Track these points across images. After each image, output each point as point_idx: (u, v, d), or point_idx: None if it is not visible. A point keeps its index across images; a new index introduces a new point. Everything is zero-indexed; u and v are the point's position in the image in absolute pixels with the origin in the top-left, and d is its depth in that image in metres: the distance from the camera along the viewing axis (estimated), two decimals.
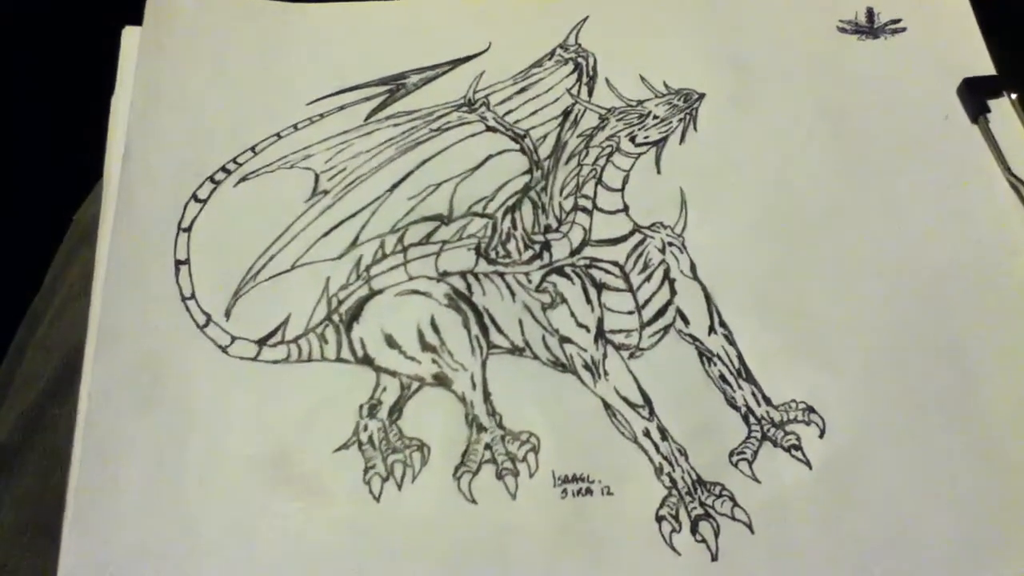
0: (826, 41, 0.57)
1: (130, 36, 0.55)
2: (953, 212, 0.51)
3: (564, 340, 0.47)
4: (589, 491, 0.44)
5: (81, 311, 0.48)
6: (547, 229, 0.50)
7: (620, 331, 0.48)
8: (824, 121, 0.54)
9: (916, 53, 0.57)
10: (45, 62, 0.64)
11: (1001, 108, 0.54)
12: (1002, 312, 0.48)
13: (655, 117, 0.54)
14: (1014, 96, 0.54)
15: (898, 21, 0.58)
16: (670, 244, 0.50)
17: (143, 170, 0.51)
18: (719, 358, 0.47)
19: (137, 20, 0.56)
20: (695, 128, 0.54)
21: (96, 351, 0.46)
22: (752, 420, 0.46)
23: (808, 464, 0.45)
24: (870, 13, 0.58)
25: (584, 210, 0.51)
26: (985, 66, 0.56)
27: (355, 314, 0.48)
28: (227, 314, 0.48)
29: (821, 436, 0.45)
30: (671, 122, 0.54)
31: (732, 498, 0.44)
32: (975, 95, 0.54)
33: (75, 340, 0.47)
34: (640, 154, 0.53)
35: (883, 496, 0.44)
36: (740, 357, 0.47)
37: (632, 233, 0.50)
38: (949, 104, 0.55)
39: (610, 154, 0.53)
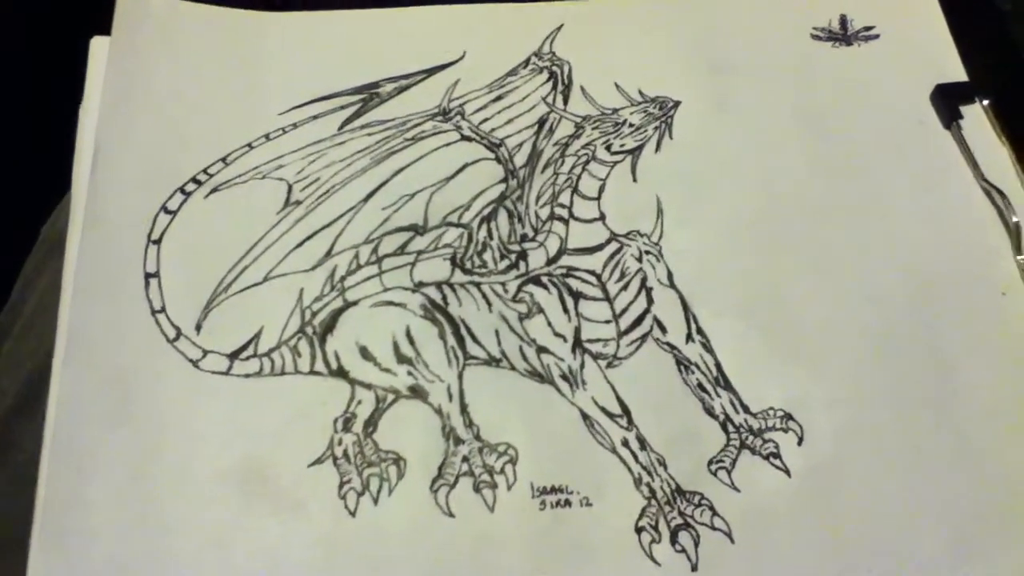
0: (800, 48, 0.58)
1: (99, 46, 0.54)
2: (929, 217, 0.52)
3: (541, 350, 0.47)
4: (568, 502, 0.43)
5: (49, 325, 0.47)
6: (523, 238, 0.50)
7: (597, 340, 0.48)
8: (799, 128, 0.55)
9: (889, 60, 0.57)
10: (10, 72, 0.63)
11: (974, 114, 0.55)
12: (980, 315, 0.49)
13: (630, 125, 0.54)
14: (986, 103, 0.55)
15: (871, 28, 0.59)
16: (647, 252, 0.50)
17: (112, 181, 0.50)
18: (696, 366, 0.47)
19: (106, 30, 0.55)
20: (671, 136, 0.54)
21: (64, 365, 0.45)
22: (730, 428, 0.46)
23: (787, 472, 0.45)
24: (843, 20, 0.59)
25: (560, 219, 0.51)
26: (957, 73, 0.57)
27: (329, 326, 0.47)
28: (198, 328, 0.47)
29: (800, 443, 0.45)
30: (646, 130, 0.54)
31: (711, 507, 0.44)
32: (948, 101, 0.55)
33: (43, 354, 0.46)
34: (616, 162, 0.53)
35: (863, 503, 0.44)
36: (718, 365, 0.47)
37: (609, 242, 0.50)
38: (923, 110, 0.55)
39: (586, 163, 0.52)
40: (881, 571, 0.43)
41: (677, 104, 0.55)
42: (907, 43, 0.58)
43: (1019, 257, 0.50)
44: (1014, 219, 0.51)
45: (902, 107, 0.56)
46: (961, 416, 0.46)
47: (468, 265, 0.49)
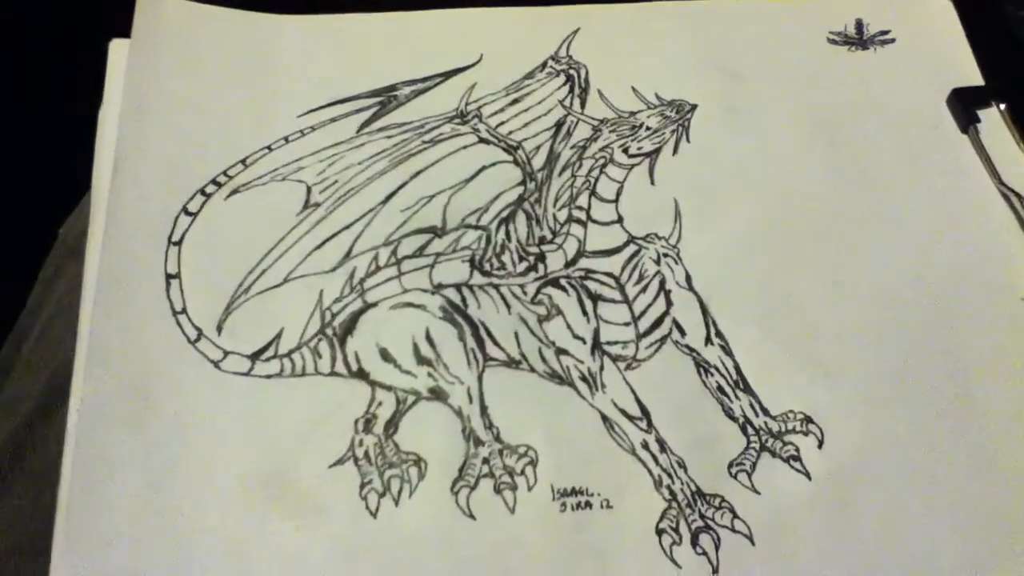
0: (817, 52, 0.58)
1: (118, 49, 0.55)
2: (947, 221, 0.52)
3: (560, 352, 0.47)
4: (588, 504, 0.43)
5: (69, 327, 0.47)
6: (542, 240, 0.50)
7: (617, 343, 0.48)
8: (816, 132, 0.55)
9: (905, 64, 0.58)
10: (28, 75, 0.63)
11: (990, 118, 0.55)
12: (998, 319, 0.49)
13: (647, 128, 0.54)
14: (1003, 106, 0.55)
15: (887, 32, 0.59)
16: (665, 255, 0.50)
17: (133, 183, 0.50)
18: (716, 369, 0.47)
19: (124, 32, 0.55)
20: (688, 139, 0.54)
21: (86, 367, 0.45)
22: (750, 431, 0.45)
23: (807, 475, 0.44)
24: (859, 25, 0.59)
25: (578, 221, 0.51)
26: (973, 76, 0.57)
27: (349, 327, 0.47)
28: (219, 328, 0.47)
29: (820, 446, 0.45)
30: (664, 133, 0.54)
31: (732, 510, 0.44)
32: (964, 105, 0.55)
33: (63, 357, 0.47)
34: (633, 165, 0.53)
35: (883, 506, 0.44)
36: (737, 368, 0.47)
37: (627, 244, 0.50)
38: (939, 114, 0.55)
39: (603, 165, 0.52)
40: (899, 575, 0.42)
41: (694, 107, 0.55)
42: (923, 47, 0.58)
43: None
44: None
45: (919, 111, 0.56)
46: (979, 422, 0.46)
47: (487, 267, 0.49)
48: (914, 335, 0.48)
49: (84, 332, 0.46)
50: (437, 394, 0.46)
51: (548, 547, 0.43)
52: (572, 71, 0.56)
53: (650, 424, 0.45)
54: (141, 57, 0.54)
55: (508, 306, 0.48)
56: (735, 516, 0.43)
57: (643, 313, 0.48)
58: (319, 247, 0.49)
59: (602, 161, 0.53)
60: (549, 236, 0.50)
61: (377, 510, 0.43)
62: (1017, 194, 0.52)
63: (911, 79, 0.57)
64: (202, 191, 0.51)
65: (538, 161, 0.53)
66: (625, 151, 0.53)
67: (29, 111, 0.62)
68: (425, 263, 0.49)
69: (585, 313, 0.48)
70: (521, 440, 0.45)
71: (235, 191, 0.51)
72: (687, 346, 0.48)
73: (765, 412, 0.46)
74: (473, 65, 0.57)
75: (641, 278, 0.49)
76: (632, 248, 0.50)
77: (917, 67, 0.57)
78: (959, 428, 0.46)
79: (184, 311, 0.47)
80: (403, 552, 0.42)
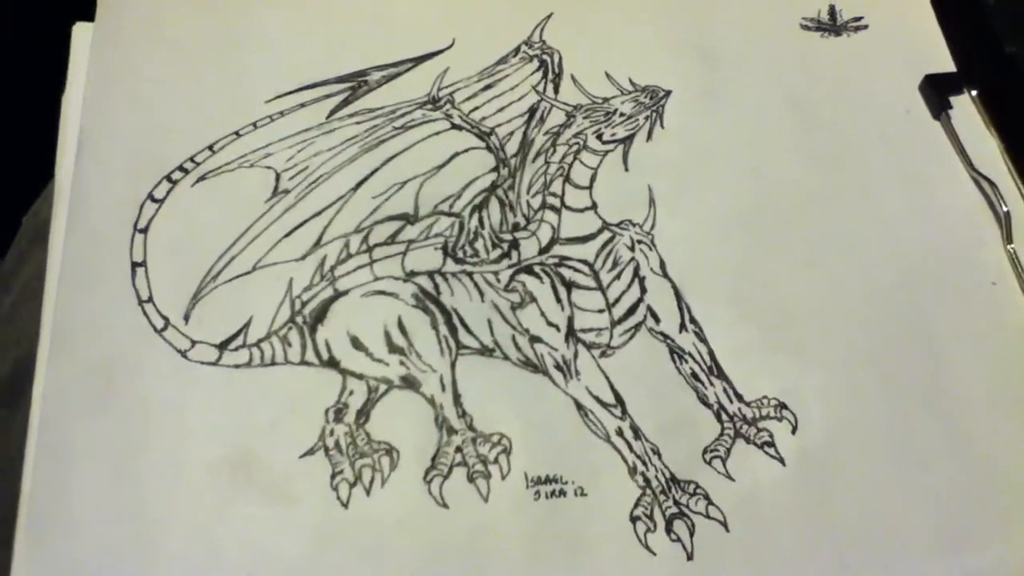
0: (790, 38, 0.58)
1: (81, 32, 0.53)
2: (920, 206, 0.52)
3: (534, 340, 0.47)
4: (562, 492, 0.43)
5: (33, 315, 0.46)
6: (515, 227, 0.50)
7: (591, 330, 0.47)
8: (790, 118, 0.55)
9: (878, 50, 0.58)
10: None
11: (962, 104, 0.55)
12: (971, 304, 0.49)
13: (621, 114, 0.53)
14: (975, 93, 0.55)
15: (860, 19, 0.59)
16: (639, 242, 0.50)
17: (97, 169, 0.49)
18: (690, 355, 0.47)
19: (88, 16, 0.54)
20: (662, 125, 0.54)
21: (49, 356, 0.44)
22: (724, 417, 0.45)
23: (781, 461, 0.44)
24: (832, 10, 0.59)
25: (552, 208, 0.50)
26: (946, 63, 0.57)
27: (320, 316, 0.47)
28: (186, 317, 0.46)
29: (794, 432, 0.45)
30: (638, 119, 0.53)
31: (706, 496, 0.43)
32: (937, 92, 0.55)
33: (27, 344, 0.46)
34: (607, 152, 0.52)
35: (858, 490, 0.44)
36: (711, 354, 0.47)
37: (601, 231, 0.50)
38: (912, 100, 0.56)
39: (577, 152, 0.52)
40: (874, 559, 0.43)
41: (668, 93, 0.55)
42: (896, 34, 0.58)
43: (1009, 246, 0.50)
44: (1003, 208, 0.51)
45: (891, 97, 0.56)
46: (952, 405, 0.46)
47: (460, 254, 0.49)
48: (887, 319, 0.48)
49: (48, 320, 0.45)
50: (409, 383, 0.45)
51: (522, 535, 0.42)
52: (545, 56, 0.56)
53: (624, 411, 0.45)
54: (105, 41, 0.53)
55: (481, 293, 0.48)
56: (709, 502, 0.43)
57: (617, 300, 0.48)
58: (288, 235, 0.49)
59: (576, 147, 0.52)
60: (523, 223, 0.50)
61: (348, 500, 0.43)
62: (988, 179, 0.52)
63: (884, 65, 0.57)
64: (168, 177, 0.50)
65: (511, 147, 0.52)
66: (599, 137, 0.53)
67: None
68: (397, 250, 0.49)
69: (559, 300, 0.48)
70: (495, 428, 0.45)
71: (202, 177, 0.50)
72: (661, 333, 0.48)
73: (739, 398, 0.46)
74: (445, 50, 0.56)
75: (615, 265, 0.49)
76: (606, 235, 0.50)
77: (890, 53, 0.57)
78: (932, 411, 0.46)
79: (150, 300, 0.46)
80: (375, 542, 0.42)
